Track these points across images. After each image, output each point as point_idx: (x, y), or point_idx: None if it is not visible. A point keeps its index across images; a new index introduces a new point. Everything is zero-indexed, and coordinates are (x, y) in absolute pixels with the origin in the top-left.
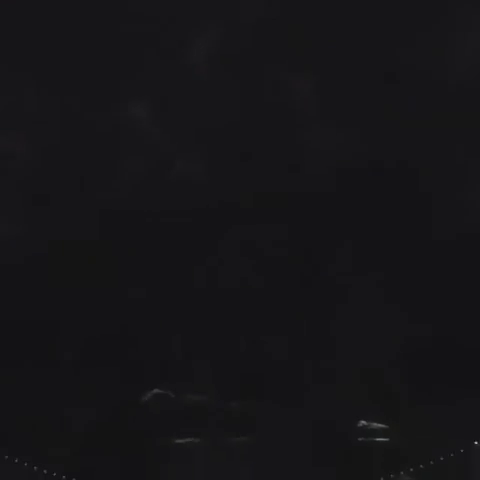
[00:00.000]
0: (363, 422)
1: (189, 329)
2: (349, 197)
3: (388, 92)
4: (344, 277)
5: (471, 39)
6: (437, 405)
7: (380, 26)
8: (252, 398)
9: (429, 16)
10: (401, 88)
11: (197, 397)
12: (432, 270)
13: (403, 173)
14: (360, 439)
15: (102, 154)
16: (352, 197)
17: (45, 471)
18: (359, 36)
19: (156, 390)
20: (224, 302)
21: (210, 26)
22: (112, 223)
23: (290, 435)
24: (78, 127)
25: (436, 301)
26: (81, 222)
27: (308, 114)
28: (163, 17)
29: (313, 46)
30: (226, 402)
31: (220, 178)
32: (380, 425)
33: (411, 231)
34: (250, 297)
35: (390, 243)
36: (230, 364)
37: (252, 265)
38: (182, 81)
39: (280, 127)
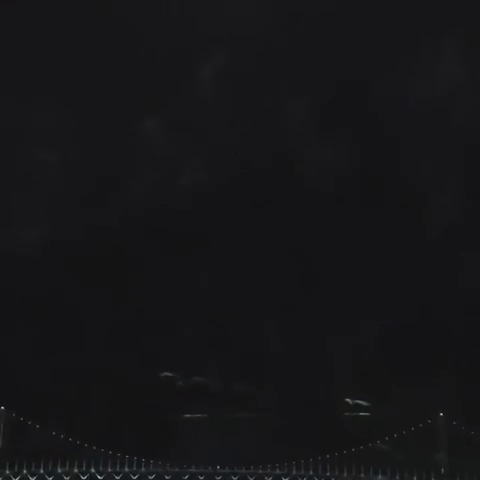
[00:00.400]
0: (348, 399)
1: (196, 322)
2: (343, 201)
3: (373, 114)
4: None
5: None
6: (409, 385)
7: (364, 60)
8: (252, 381)
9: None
10: (383, 111)
11: (202, 379)
12: (419, 265)
13: (390, 180)
14: (346, 414)
15: (122, 163)
16: (346, 201)
17: (70, 439)
18: (350, 63)
19: (166, 373)
20: (226, 296)
21: (216, 52)
22: (130, 224)
23: (286, 411)
24: (102, 141)
25: (418, 295)
26: (101, 224)
27: (305, 129)
28: (175, 44)
29: (310, 69)
30: (228, 384)
31: (223, 185)
32: (362, 402)
33: (400, 231)
34: (250, 292)
35: (381, 243)
36: (233, 351)
37: (252, 265)
38: (191, 101)
39: (280, 140)
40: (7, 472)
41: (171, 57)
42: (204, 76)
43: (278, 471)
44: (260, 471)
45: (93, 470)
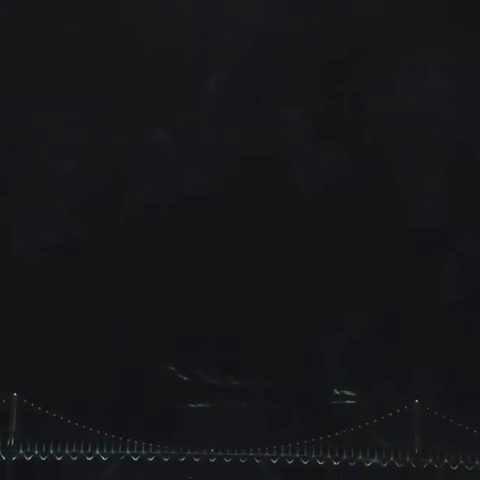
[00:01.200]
0: (336, 390)
1: (199, 318)
2: (338, 205)
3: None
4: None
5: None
6: (389, 377)
7: (357, 73)
8: (247, 374)
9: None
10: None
11: (203, 373)
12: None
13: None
14: (334, 402)
15: (129, 170)
16: (340, 205)
17: (76, 424)
18: (344, 77)
19: (170, 366)
20: (228, 296)
21: (218, 66)
22: (138, 225)
23: (278, 401)
24: (112, 149)
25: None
26: (111, 229)
27: (301, 138)
28: (181, 60)
29: (305, 82)
30: (226, 377)
31: (223, 191)
32: (348, 392)
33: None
34: (251, 292)
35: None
36: (232, 348)
37: (252, 266)
38: (194, 112)
39: (276, 149)
40: (21, 452)
41: (176, 74)
42: (207, 89)
43: (267, 454)
44: (251, 454)
45: (98, 452)
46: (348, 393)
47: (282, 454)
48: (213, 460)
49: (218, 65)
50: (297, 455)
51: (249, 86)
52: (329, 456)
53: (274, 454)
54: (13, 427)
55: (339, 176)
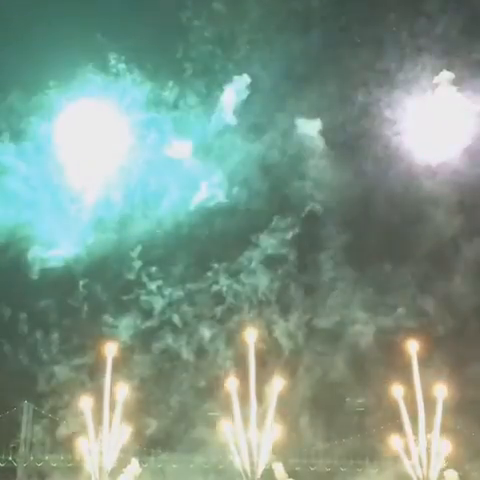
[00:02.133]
0: (348, 398)
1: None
2: (345, 211)
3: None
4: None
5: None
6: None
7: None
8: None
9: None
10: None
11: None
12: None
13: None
14: (347, 409)
15: (155, 181)
16: (347, 211)
17: None
18: (357, 90)
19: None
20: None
21: (237, 82)
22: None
23: (296, 406)
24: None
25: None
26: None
27: (315, 150)
28: (202, 79)
29: (319, 99)
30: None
31: (237, 199)
32: (359, 400)
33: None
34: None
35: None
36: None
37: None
38: (215, 127)
39: (292, 161)
40: (31, 458)
41: (197, 94)
42: (226, 107)
43: (275, 459)
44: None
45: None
46: (359, 401)
47: (290, 460)
48: (221, 467)
49: (237, 83)
50: (304, 461)
51: (266, 101)
52: (336, 461)
53: (282, 459)
54: (24, 434)
55: (349, 186)
